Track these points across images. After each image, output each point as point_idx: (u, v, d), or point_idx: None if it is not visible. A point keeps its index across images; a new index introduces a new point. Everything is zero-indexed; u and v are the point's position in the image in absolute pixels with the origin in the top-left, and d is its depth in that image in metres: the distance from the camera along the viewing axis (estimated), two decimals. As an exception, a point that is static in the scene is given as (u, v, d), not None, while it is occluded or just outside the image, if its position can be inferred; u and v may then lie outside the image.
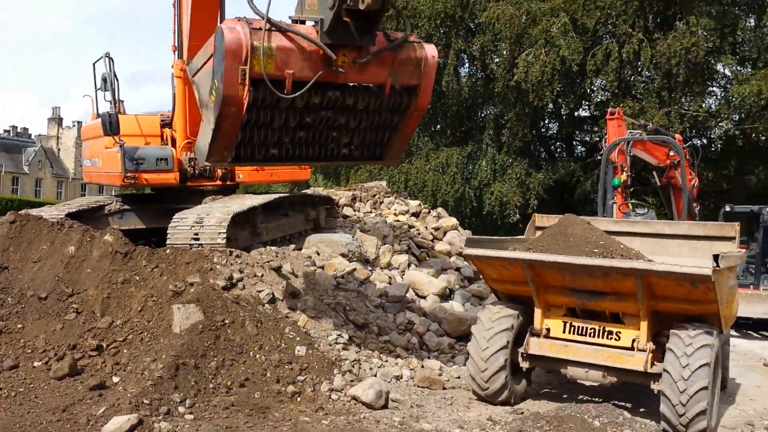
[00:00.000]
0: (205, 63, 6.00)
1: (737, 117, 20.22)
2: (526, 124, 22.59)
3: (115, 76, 9.43)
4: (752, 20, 21.30)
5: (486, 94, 23.55)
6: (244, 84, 5.62)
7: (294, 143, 6.53)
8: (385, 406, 6.32)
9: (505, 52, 21.15)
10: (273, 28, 5.64)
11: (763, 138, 22.21)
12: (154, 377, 5.79)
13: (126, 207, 10.05)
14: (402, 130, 6.86)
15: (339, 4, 5.59)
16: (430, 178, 23.48)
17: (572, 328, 6.54)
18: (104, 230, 8.23)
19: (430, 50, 6.46)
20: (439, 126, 25.79)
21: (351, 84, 6.27)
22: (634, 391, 7.12)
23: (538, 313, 6.68)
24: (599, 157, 14.96)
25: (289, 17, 5.95)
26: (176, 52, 8.94)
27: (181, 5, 8.65)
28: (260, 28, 5.57)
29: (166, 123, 9.54)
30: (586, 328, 6.48)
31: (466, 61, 24.78)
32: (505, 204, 22.40)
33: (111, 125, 8.82)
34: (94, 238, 7.89)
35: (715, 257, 5.68)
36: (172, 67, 9.18)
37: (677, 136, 13.51)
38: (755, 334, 12.47)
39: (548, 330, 6.65)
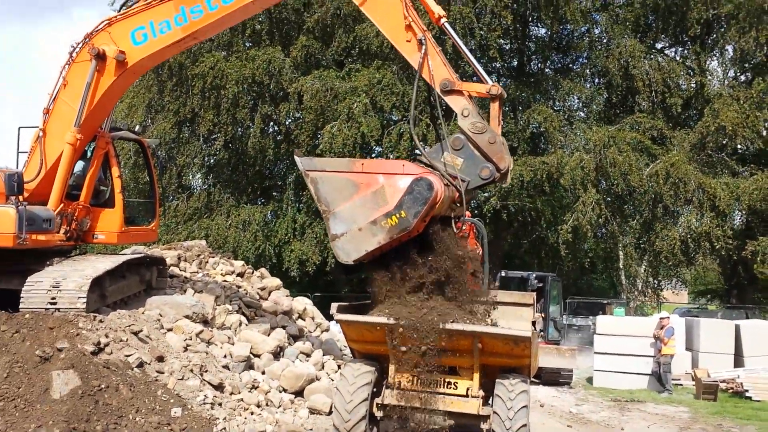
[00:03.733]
0: (338, 172, 7.70)
1: (499, 194, 23.93)
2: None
3: None
4: (511, 114, 25.63)
5: (289, 158, 24.89)
6: (425, 221, 7.54)
7: None
8: (268, 457, 7.05)
9: (309, 123, 22.70)
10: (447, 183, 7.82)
11: (514, 210, 26.49)
12: (57, 443, 5.92)
13: None
14: None
15: (491, 181, 8.22)
16: (231, 235, 23.93)
17: (419, 380, 7.89)
18: None
19: None
20: (241, 184, 26.44)
21: None
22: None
23: (392, 368, 7.93)
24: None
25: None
26: (75, 121, 9.15)
27: (96, 87, 9.15)
28: (445, 184, 7.72)
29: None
30: (431, 380, 7.87)
31: (272, 124, 25.97)
32: (304, 262, 23.60)
33: (18, 185, 8.64)
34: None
35: (533, 323, 7.46)
36: (42, 129, 9.32)
37: (467, 213, 15.97)
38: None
39: (400, 383, 7.92)
